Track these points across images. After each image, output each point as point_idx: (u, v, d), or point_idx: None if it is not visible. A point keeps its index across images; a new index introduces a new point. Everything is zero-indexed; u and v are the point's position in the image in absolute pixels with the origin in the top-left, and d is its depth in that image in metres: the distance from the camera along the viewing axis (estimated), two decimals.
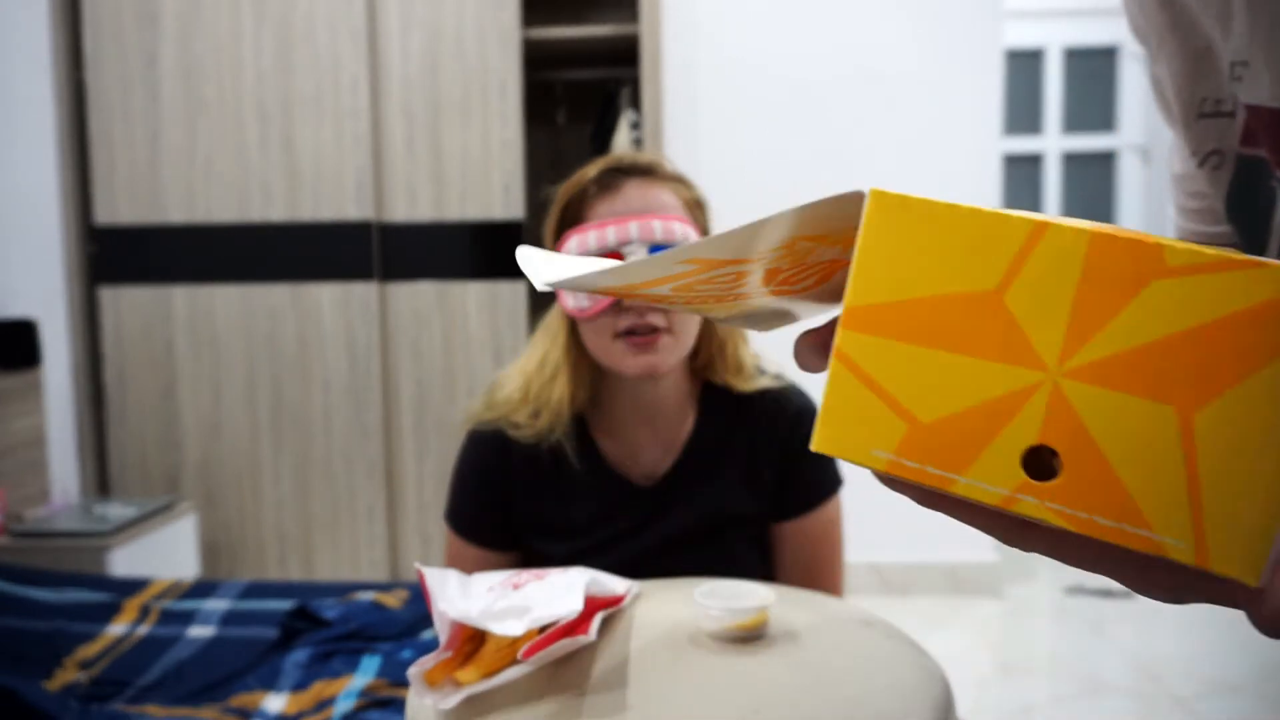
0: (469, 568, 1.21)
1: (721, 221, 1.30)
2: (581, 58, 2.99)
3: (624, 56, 2.87)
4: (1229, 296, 0.28)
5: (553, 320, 1.23)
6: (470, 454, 1.24)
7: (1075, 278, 0.30)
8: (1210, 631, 2.85)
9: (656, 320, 1.12)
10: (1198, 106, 0.47)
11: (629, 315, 1.11)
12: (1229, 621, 2.92)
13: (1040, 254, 0.31)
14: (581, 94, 3.15)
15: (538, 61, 2.93)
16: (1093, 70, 4.55)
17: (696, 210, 1.20)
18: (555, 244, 1.18)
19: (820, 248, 0.40)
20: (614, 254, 1.12)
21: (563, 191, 1.19)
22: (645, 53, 2.71)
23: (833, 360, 0.34)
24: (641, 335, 1.12)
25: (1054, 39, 4.51)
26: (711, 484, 1.22)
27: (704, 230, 1.20)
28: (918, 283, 0.32)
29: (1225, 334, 0.29)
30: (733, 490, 1.22)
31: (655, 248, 1.11)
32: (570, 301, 1.13)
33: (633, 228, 1.11)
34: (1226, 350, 0.29)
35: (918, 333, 0.32)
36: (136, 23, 2.69)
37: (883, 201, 0.33)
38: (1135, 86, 4.51)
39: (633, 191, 1.14)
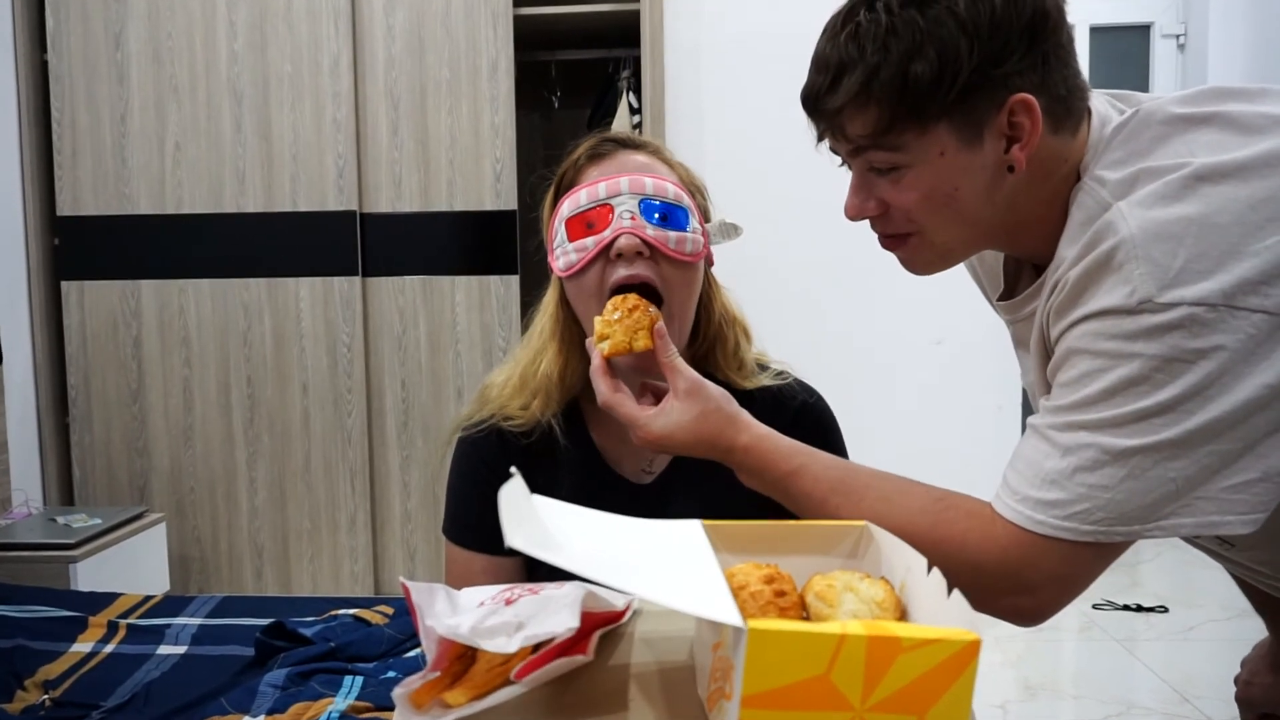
0: (478, 581, 1.20)
1: (724, 208, 1.30)
2: (578, 37, 2.99)
3: (623, 36, 2.87)
4: (930, 658, 0.59)
5: (547, 297, 1.24)
6: (467, 456, 1.25)
7: (863, 660, 0.59)
8: (1246, 651, 2.85)
9: (644, 271, 1.12)
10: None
11: (618, 265, 1.12)
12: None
13: (845, 650, 0.59)
14: (578, 75, 3.15)
15: (531, 41, 2.93)
16: (1124, 49, 4.55)
17: (694, 190, 1.20)
18: (551, 215, 1.19)
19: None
20: (603, 206, 1.12)
21: (559, 169, 1.22)
22: (646, 32, 2.71)
23: None
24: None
25: (1082, 15, 4.52)
26: (710, 481, 1.21)
27: (700, 209, 1.20)
28: (781, 676, 0.59)
29: (932, 676, 0.59)
30: (733, 489, 1.21)
31: (646, 201, 1.12)
32: (560, 261, 1.15)
33: (623, 181, 1.13)
34: (934, 684, 0.59)
35: (786, 703, 0.60)
36: (102, 0, 2.69)
37: (757, 634, 0.59)
38: (1168, 67, 4.51)
39: (625, 157, 1.17)
